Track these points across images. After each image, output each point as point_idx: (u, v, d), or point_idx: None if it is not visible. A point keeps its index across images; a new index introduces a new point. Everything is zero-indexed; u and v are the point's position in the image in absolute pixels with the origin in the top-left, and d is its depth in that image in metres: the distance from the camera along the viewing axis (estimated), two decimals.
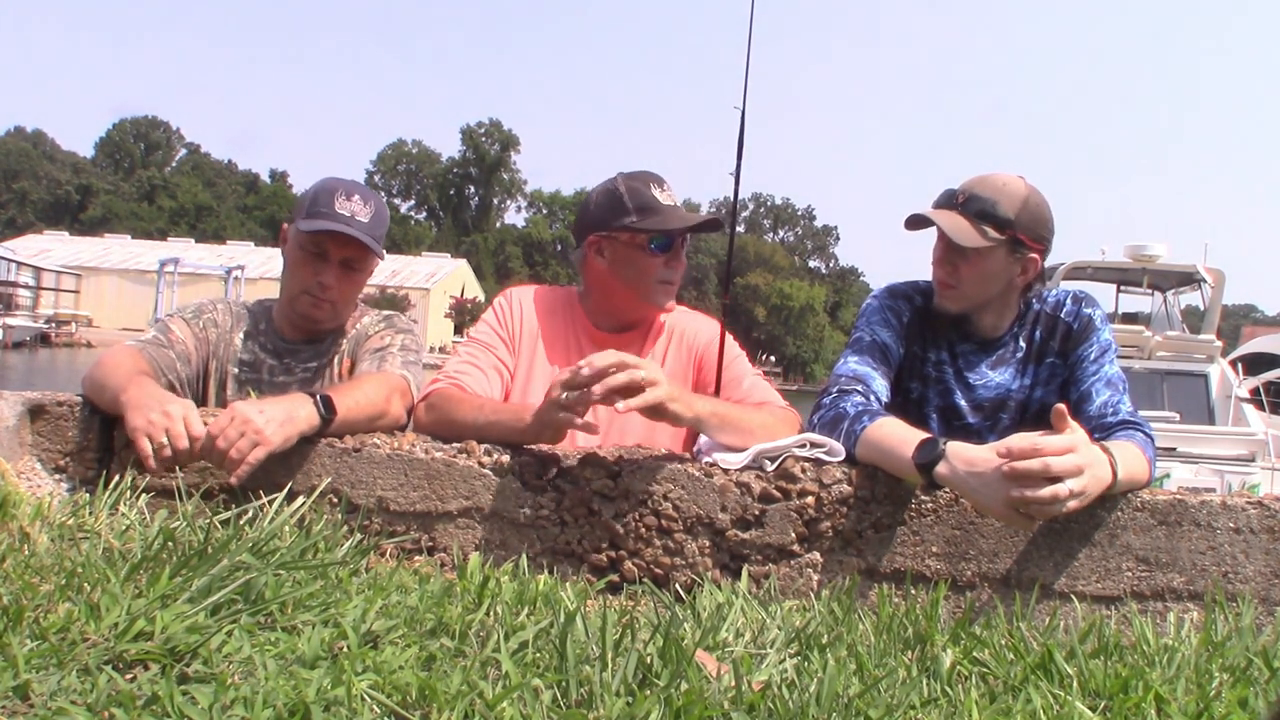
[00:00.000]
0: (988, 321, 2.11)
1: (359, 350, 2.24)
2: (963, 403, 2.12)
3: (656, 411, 1.71)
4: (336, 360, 2.28)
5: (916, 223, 2.07)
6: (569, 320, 2.25)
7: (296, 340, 2.28)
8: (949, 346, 2.13)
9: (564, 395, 1.69)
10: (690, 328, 2.27)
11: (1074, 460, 1.51)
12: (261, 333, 2.29)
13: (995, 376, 2.12)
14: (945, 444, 1.62)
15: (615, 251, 2.17)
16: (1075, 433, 1.57)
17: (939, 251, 2.07)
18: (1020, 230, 2.01)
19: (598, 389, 1.65)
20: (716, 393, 2.07)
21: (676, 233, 2.14)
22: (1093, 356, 2.03)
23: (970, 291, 2.06)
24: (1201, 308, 12.18)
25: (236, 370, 2.24)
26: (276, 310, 2.32)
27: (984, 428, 2.12)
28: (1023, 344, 2.13)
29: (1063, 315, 2.10)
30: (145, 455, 1.67)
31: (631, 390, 1.66)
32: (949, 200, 2.05)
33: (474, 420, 1.84)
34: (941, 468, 1.60)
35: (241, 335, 2.27)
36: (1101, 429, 1.86)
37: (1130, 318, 12.56)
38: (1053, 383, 2.10)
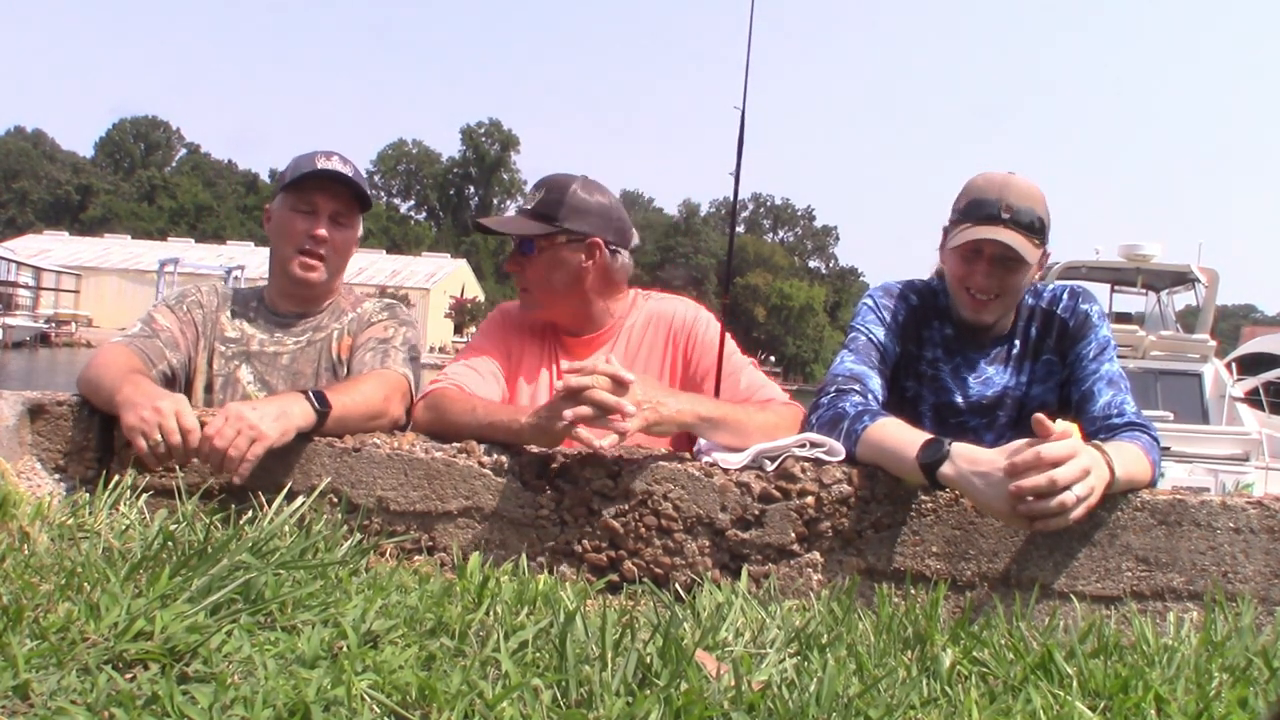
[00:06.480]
0: (1000, 321, 2.09)
1: (361, 334, 2.26)
2: (958, 400, 2.10)
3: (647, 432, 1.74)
4: (335, 337, 2.29)
5: (975, 244, 1.98)
6: (544, 330, 2.28)
7: (289, 313, 2.30)
8: (944, 344, 2.12)
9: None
10: (664, 311, 2.27)
11: (1078, 466, 1.51)
12: (252, 309, 2.31)
13: (992, 374, 2.10)
14: (950, 444, 1.62)
15: None
16: (1071, 436, 1.56)
17: (983, 266, 1.99)
18: (1048, 231, 2.03)
19: (569, 414, 1.67)
20: (716, 394, 2.06)
21: (489, 232, 2.33)
22: (1091, 354, 2.01)
23: (1013, 301, 2.05)
24: (1198, 307, 12.17)
25: (222, 347, 2.25)
26: (268, 290, 2.35)
27: (980, 426, 2.10)
28: (1018, 341, 2.11)
29: (1059, 311, 2.08)
30: (141, 452, 1.70)
31: (605, 409, 1.67)
32: (992, 215, 1.96)
33: (470, 421, 1.85)
34: (946, 468, 1.60)
35: (228, 313, 2.29)
36: (1106, 430, 1.85)
37: (1124, 317, 12.53)
38: (1050, 380, 2.08)
